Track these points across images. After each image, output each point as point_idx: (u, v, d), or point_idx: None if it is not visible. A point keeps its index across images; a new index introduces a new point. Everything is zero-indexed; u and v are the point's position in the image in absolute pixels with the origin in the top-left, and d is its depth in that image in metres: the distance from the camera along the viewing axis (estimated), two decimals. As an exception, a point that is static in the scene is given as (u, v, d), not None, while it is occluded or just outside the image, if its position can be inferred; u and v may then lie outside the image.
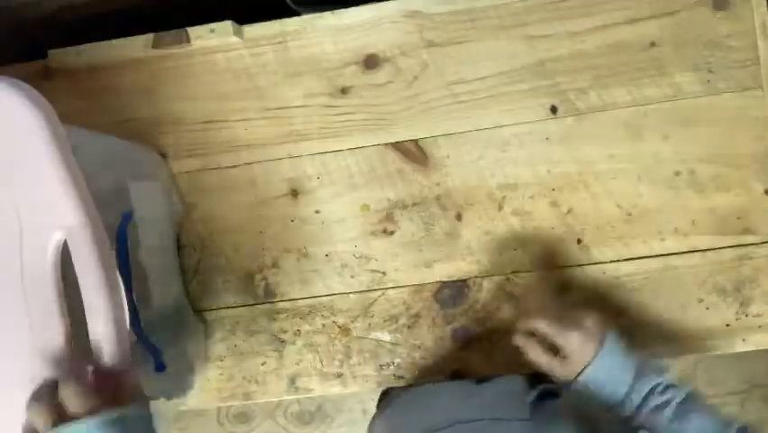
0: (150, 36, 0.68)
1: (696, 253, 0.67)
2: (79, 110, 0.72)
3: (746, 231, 0.66)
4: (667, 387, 0.52)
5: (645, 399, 0.52)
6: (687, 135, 0.66)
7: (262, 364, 0.72)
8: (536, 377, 0.61)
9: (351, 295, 0.70)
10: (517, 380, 0.63)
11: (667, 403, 0.51)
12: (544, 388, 0.60)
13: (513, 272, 0.69)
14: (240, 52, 0.70)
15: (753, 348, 0.67)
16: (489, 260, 0.69)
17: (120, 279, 0.43)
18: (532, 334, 0.57)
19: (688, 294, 0.67)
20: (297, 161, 0.70)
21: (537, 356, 0.56)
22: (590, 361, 0.53)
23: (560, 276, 0.68)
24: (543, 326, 0.56)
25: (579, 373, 0.53)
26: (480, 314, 0.69)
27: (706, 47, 0.66)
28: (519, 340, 0.58)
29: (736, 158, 0.66)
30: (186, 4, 0.76)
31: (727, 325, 0.67)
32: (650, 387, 0.52)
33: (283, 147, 0.70)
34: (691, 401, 0.52)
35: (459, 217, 0.69)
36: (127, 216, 0.59)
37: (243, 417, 1.58)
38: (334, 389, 0.71)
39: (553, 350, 0.55)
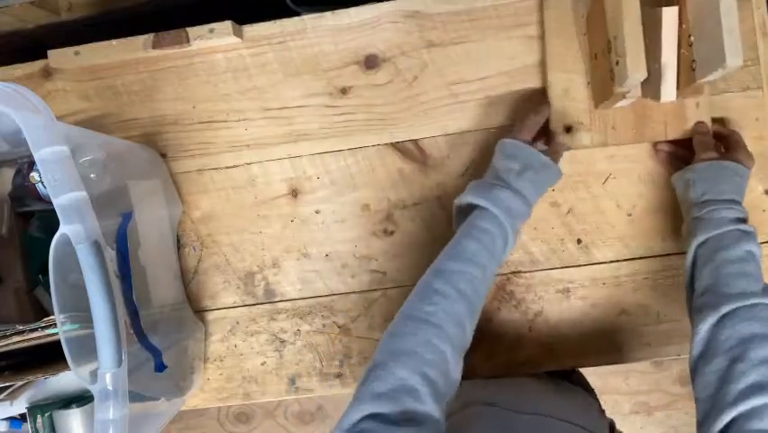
0: (149, 36, 0.68)
1: (696, 253, 0.67)
2: (79, 110, 0.72)
3: (747, 231, 0.66)
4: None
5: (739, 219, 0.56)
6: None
7: (262, 364, 0.72)
8: None
9: (351, 295, 0.70)
10: (595, 403, 0.65)
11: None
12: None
13: (513, 272, 0.69)
14: (240, 52, 0.70)
15: (753, 348, 0.67)
16: (490, 260, 0.69)
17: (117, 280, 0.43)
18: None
19: (688, 294, 0.67)
20: (297, 161, 0.70)
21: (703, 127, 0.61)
22: (747, 161, 0.59)
23: (560, 276, 0.68)
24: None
25: (718, 158, 0.58)
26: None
27: (706, 47, 0.65)
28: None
29: (736, 158, 0.66)
30: (186, 4, 0.76)
31: (728, 325, 0.67)
32: (744, 215, 0.57)
33: (283, 147, 0.70)
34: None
35: (459, 217, 0.69)
36: (127, 216, 0.59)
37: (243, 417, 1.58)
38: (334, 389, 0.71)
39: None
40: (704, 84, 0.57)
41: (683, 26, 0.56)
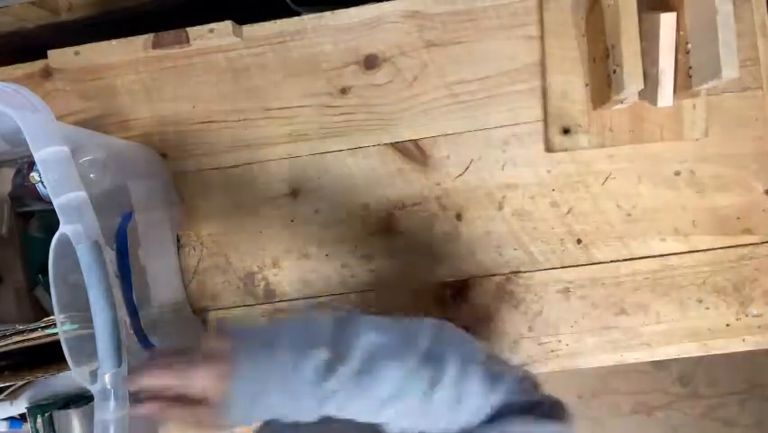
0: (150, 36, 0.68)
1: (696, 253, 0.67)
2: (79, 110, 0.72)
3: (746, 231, 0.66)
4: None
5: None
6: (687, 135, 0.66)
7: (262, 364, 0.72)
8: None
9: (351, 295, 0.70)
10: None
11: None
12: None
13: (513, 272, 0.69)
14: (240, 52, 0.70)
15: (753, 348, 0.67)
16: (489, 260, 0.69)
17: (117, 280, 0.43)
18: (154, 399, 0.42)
19: (688, 294, 0.67)
20: (296, 161, 0.70)
21: (180, 415, 0.42)
22: (235, 377, 0.41)
23: (560, 276, 0.68)
24: (157, 377, 0.42)
25: (224, 402, 0.40)
26: (479, 314, 0.69)
27: (706, 47, 0.66)
28: (147, 408, 0.42)
29: (736, 158, 0.66)
30: (186, 4, 0.76)
31: (727, 325, 0.67)
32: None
33: (283, 147, 0.70)
34: None
35: (459, 217, 0.69)
36: (127, 216, 0.59)
37: (243, 417, 1.58)
38: (334, 389, 0.71)
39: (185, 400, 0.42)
40: (701, 89, 0.57)
41: (681, 33, 0.56)
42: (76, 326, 0.48)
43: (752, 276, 0.67)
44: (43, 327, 0.54)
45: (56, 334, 0.54)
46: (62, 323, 0.47)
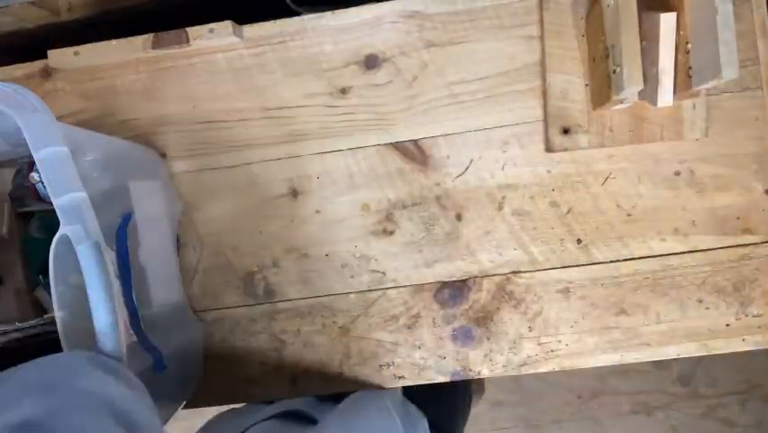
0: (149, 36, 0.68)
1: (696, 253, 0.67)
2: (79, 110, 0.72)
3: (746, 231, 0.66)
4: None
5: None
6: (687, 135, 0.66)
7: (262, 364, 0.72)
8: None
9: (351, 295, 0.71)
10: None
11: None
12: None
13: (513, 272, 0.69)
14: (240, 52, 0.70)
15: (753, 348, 0.67)
16: (489, 260, 0.69)
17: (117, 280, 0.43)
18: None
19: (688, 294, 0.67)
20: (297, 161, 0.70)
21: None
22: None
23: (560, 276, 0.68)
24: None
25: None
26: (479, 314, 0.69)
27: (706, 47, 0.66)
28: None
29: (736, 158, 0.66)
30: (186, 4, 0.76)
31: (727, 325, 0.67)
32: None
33: (283, 147, 0.70)
34: None
35: (459, 217, 0.69)
36: (127, 216, 0.59)
37: (243, 417, 1.58)
38: (334, 389, 0.71)
39: None
40: (701, 89, 0.57)
41: (681, 33, 0.56)
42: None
43: (752, 276, 0.67)
44: (42, 325, 0.54)
45: (55, 333, 0.54)
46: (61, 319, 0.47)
